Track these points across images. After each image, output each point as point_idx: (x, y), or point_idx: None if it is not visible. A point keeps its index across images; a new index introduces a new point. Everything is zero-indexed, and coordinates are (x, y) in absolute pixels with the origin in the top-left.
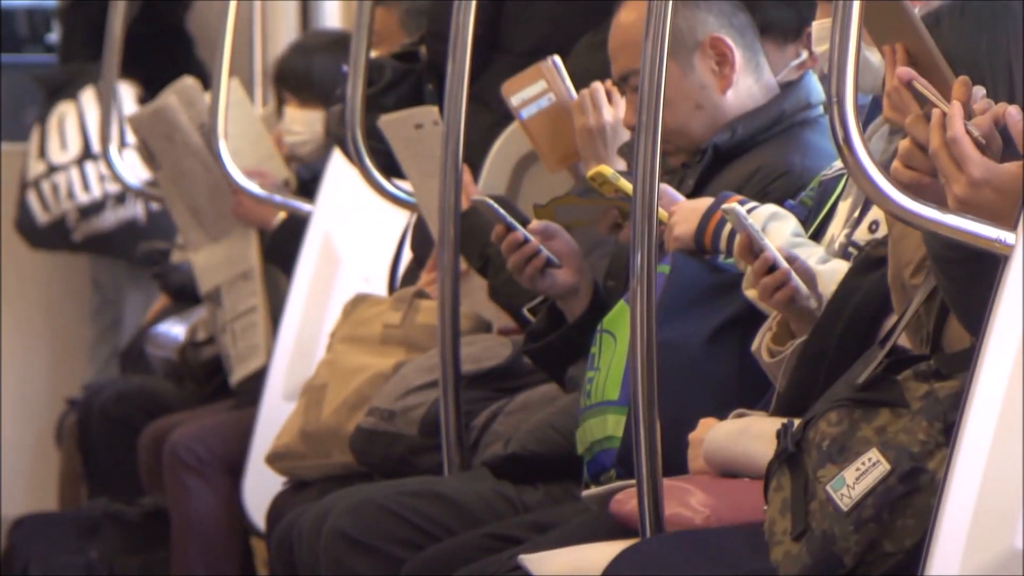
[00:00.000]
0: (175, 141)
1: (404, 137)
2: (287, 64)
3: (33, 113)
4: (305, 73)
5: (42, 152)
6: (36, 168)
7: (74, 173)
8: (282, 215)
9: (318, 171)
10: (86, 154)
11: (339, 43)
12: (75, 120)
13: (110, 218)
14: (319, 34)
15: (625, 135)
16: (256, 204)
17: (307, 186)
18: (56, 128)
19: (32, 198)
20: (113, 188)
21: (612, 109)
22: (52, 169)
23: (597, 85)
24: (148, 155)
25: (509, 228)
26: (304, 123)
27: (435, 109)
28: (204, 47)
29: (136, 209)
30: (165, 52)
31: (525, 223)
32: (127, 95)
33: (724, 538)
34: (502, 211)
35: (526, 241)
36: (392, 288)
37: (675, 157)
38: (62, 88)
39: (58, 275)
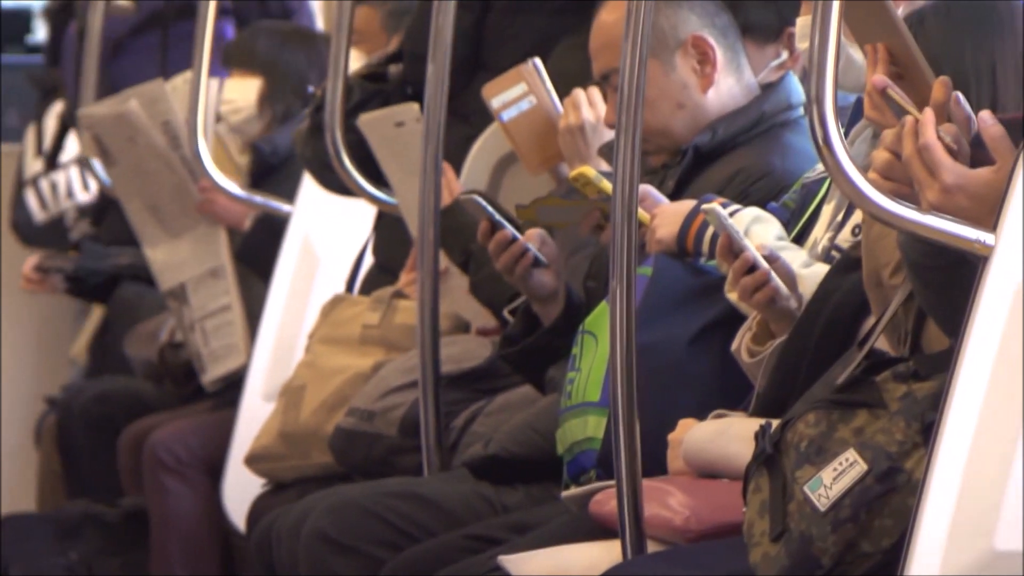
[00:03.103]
0: (137, 143)
1: (384, 136)
2: (233, 43)
3: (13, 115)
4: (249, 44)
5: (39, 151)
6: (33, 167)
7: (74, 172)
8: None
9: (278, 146)
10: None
11: (297, 32)
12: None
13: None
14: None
15: (607, 135)
16: (230, 202)
17: (267, 161)
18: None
19: (31, 196)
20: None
21: (593, 109)
22: (51, 167)
23: (582, 90)
24: (103, 152)
25: (497, 226)
26: (239, 91)
27: (415, 107)
28: None
29: None
30: None
31: (510, 221)
32: None
33: (703, 549)
34: (491, 208)
35: (514, 240)
36: (351, 288)
37: (656, 157)
38: (58, 88)
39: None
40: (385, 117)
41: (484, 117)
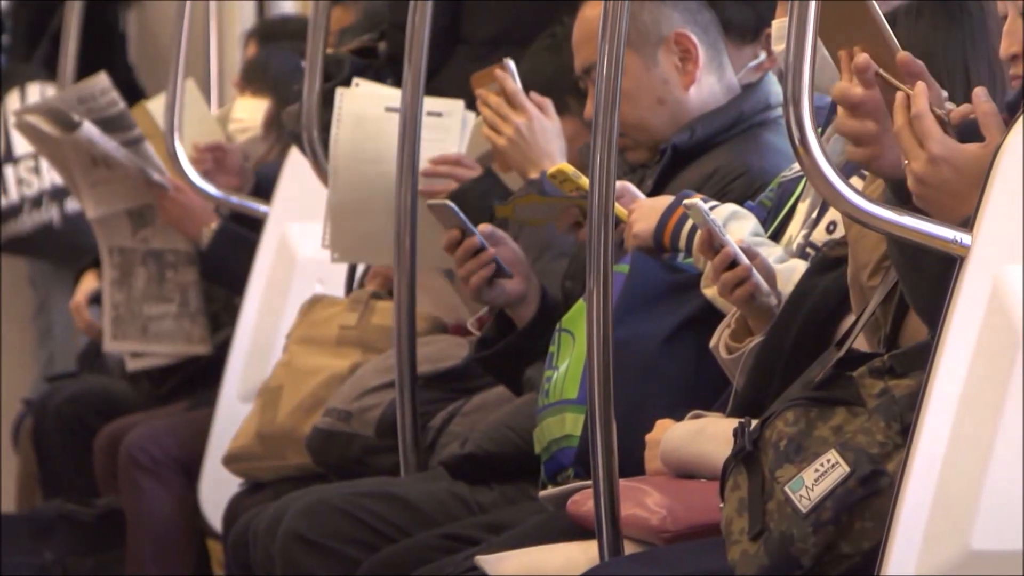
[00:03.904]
0: (99, 164)
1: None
2: (250, 61)
3: None
4: (263, 63)
5: None
6: None
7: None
8: (212, 226)
9: (270, 177)
10: (7, 157)
11: (296, 34)
12: None
13: (27, 221)
14: (282, 22)
15: (545, 128)
16: (187, 211)
17: (255, 193)
18: None
19: None
20: (30, 192)
21: (520, 112)
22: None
23: (507, 93)
24: (71, 182)
25: (467, 233)
26: (249, 110)
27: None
28: (143, 49)
29: (52, 212)
30: (93, 53)
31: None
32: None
33: (679, 550)
34: (463, 215)
35: (482, 248)
36: (349, 291)
37: (634, 152)
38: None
39: (4, 276)
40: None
41: (463, 96)
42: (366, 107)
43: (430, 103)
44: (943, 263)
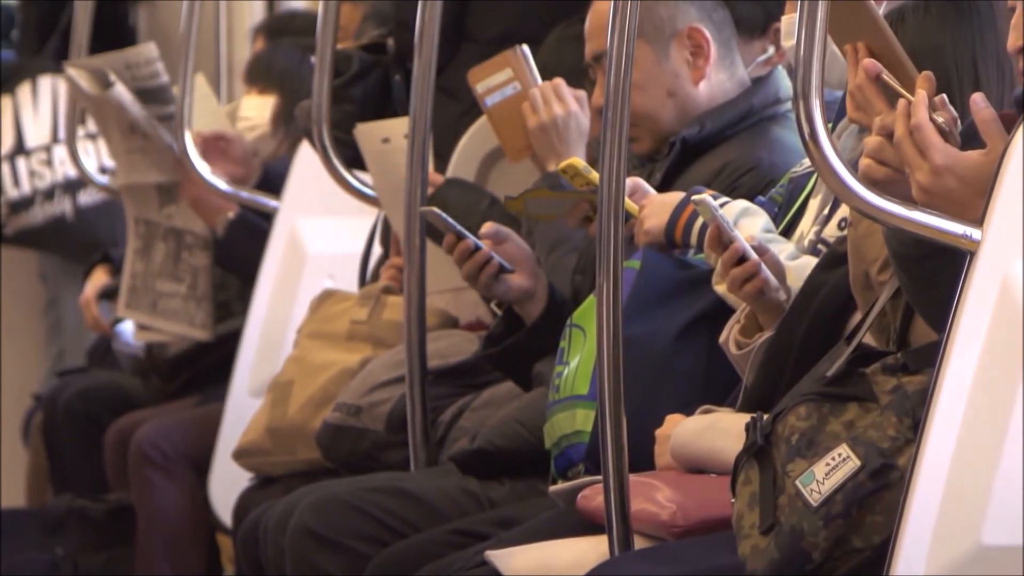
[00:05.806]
0: (136, 132)
1: (372, 150)
2: (253, 59)
3: None
4: (267, 59)
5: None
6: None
7: (5, 168)
8: (230, 215)
9: (278, 172)
10: (18, 149)
11: (303, 30)
12: (10, 115)
13: (39, 214)
14: (290, 17)
15: (580, 126)
16: (207, 195)
17: (265, 188)
18: None
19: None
20: (42, 184)
21: (563, 103)
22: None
23: (552, 82)
24: (108, 142)
25: (459, 236)
26: (256, 108)
27: (406, 121)
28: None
29: (64, 205)
30: (103, 48)
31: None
32: (62, 90)
33: (689, 545)
34: (452, 220)
35: (477, 249)
36: (363, 285)
37: (641, 142)
38: (2, 83)
39: (15, 270)
40: (374, 130)
41: (470, 94)
42: (373, 144)
43: (384, 126)
44: (952, 286)
